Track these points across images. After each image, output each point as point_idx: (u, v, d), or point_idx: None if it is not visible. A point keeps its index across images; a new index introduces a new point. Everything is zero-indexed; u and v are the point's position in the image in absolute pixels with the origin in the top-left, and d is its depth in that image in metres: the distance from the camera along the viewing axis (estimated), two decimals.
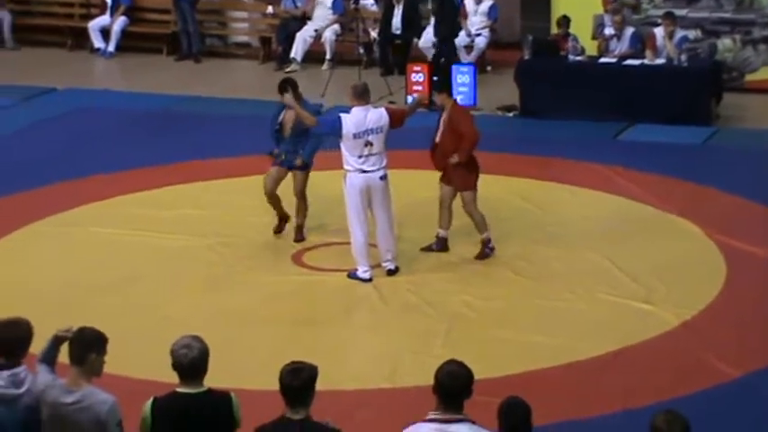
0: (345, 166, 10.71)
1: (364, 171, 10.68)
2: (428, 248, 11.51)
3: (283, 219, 11.83)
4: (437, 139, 11.37)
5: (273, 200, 11.71)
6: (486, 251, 11.38)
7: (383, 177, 10.79)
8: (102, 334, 6.13)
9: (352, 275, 10.91)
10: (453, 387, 5.76)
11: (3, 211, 12.75)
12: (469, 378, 5.79)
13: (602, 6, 17.33)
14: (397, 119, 10.94)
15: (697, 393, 8.87)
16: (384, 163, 10.79)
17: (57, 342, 6.27)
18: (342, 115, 10.72)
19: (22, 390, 6.12)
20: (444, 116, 11.30)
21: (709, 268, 11.17)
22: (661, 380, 9.16)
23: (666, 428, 5.42)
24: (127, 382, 8.37)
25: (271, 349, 9.50)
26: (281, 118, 11.70)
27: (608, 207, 12.92)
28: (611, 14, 16.86)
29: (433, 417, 5.75)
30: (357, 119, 10.64)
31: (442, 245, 11.52)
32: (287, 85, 11.37)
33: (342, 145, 10.69)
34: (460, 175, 11.29)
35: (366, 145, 10.65)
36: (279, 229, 11.86)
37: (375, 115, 10.74)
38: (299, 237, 11.74)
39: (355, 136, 10.61)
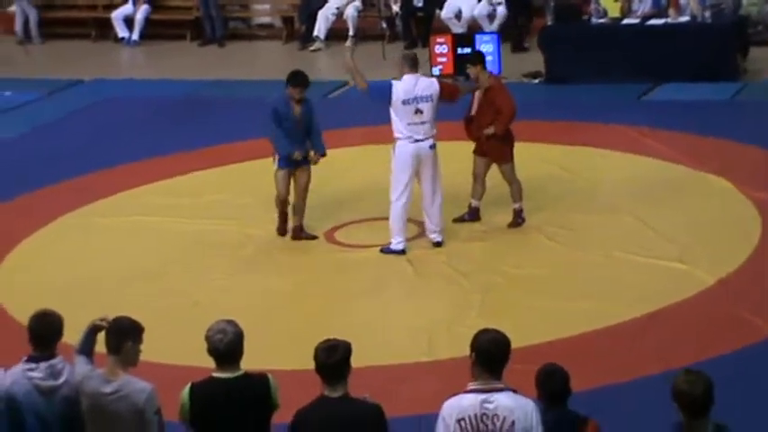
0: (396, 134, 10.71)
1: (415, 140, 10.67)
2: (460, 219, 11.51)
3: (286, 219, 11.46)
4: (473, 112, 11.36)
5: (286, 203, 11.41)
6: (518, 220, 11.36)
7: (432, 146, 10.78)
8: (138, 322, 6.15)
9: (386, 250, 10.92)
10: (495, 355, 5.72)
11: (33, 204, 12.81)
12: (509, 345, 5.78)
13: None
14: (448, 92, 10.95)
15: (735, 351, 8.83)
16: (433, 132, 10.79)
17: (93, 332, 6.31)
18: (392, 81, 10.72)
19: (61, 381, 6.17)
20: (480, 90, 11.27)
21: (745, 225, 11.09)
22: (699, 339, 9.13)
23: (689, 389, 5.40)
24: (163, 370, 8.41)
25: (306, 328, 9.52)
26: (291, 114, 11.16)
27: (639, 168, 12.84)
28: None
29: (474, 387, 5.71)
30: (407, 85, 10.66)
31: (474, 215, 11.52)
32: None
33: (392, 113, 10.70)
34: (496, 147, 11.30)
35: (416, 112, 10.64)
36: (284, 230, 11.49)
37: (425, 83, 10.79)
38: (300, 234, 11.37)
39: (404, 102, 10.61)
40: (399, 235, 10.86)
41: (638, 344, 9.17)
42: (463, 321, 9.46)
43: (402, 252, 10.86)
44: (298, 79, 11.21)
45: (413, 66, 10.82)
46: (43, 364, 6.15)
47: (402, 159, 10.73)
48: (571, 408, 6.01)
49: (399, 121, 10.68)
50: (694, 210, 11.54)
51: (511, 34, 18.10)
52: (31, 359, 6.19)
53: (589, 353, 9.02)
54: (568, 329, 9.38)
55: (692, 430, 5.44)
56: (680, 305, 9.70)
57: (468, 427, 5.63)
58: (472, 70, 11.38)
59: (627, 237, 10.99)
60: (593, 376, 8.49)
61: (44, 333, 6.19)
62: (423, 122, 10.70)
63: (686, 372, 5.51)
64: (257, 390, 6.08)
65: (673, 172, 12.60)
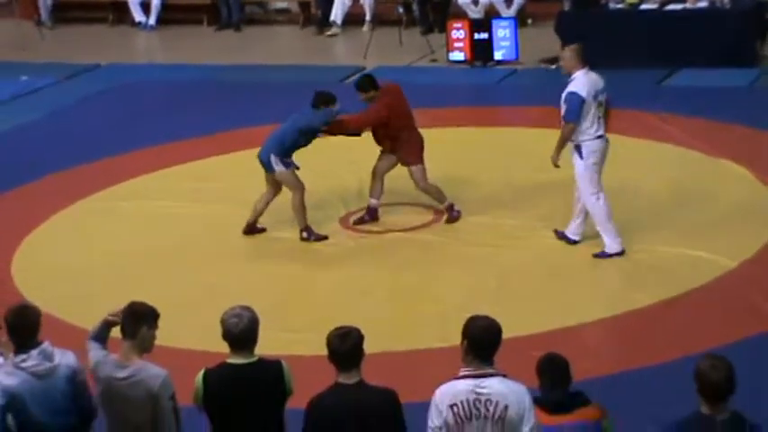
0: (582, 138, 10.12)
1: (600, 136, 10.21)
2: (360, 221, 11.27)
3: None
4: None
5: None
6: (453, 214, 11.19)
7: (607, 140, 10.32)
8: (153, 308, 6.15)
9: (602, 255, 10.26)
10: (487, 341, 5.74)
11: (53, 188, 12.86)
12: (500, 331, 5.78)
13: None
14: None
15: (753, 337, 8.79)
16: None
17: (106, 325, 6.31)
18: (574, 90, 10.06)
19: (56, 361, 6.15)
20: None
21: (762, 211, 11.04)
22: (718, 325, 9.10)
23: (711, 373, 5.39)
24: (178, 354, 8.42)
25: (320, 314, 9.50)
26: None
27: (657, 155, 12.79)
28: None
29: (466, 373, 5.72)
30: (589, 81, 10.14)
31: (373, 214, 11.29)
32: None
33: (567, 116, 10.13)
34: (404, 148, 11.05)
35: (599, 106, 10.20)
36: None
37: (596, 75, 10.27)
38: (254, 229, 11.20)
39: (594, 98, 10.12)
40: (616, 234, 10.26)
41: (657, 329, 9.14)
42: (479, 308, 9.40)
43: (622, 253, 10.25)
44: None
45: (585, 60, 10.22)
46: (34, 352, 6.13)
47: (594, 160, 10.15)
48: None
49: (588, 123, 10.09)
50: (712, 196, 11.49)
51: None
52: (19, 351, 6.15)
53: (607, 339, 9.02)
54: (588, 315, 9.35)
55: (710, 417, 5.42)
56: (698, 291, 9.67)
57: (461, 413, 5.63)
58: (365, 96, 10.97)
59: (646, 224, 10.93)
60: (612, 362, 8.50)
61: (22, 327, 6.16)
62: (603, 116, 10.22)
63: (710, 357, 5.51)
64: (271, 376, 6.08)
65: (691, 158, 12.55)
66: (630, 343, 9.02)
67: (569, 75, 10.24)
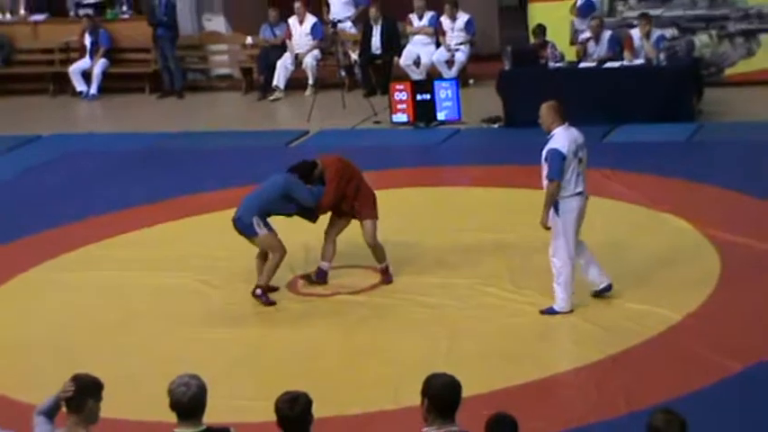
0: (561, 193, 10.02)
1: (579, 193, 10.14)
2: (307, 277, 11.32)
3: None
4: None
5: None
6: (387, 279, 11.27)
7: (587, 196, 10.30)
8: (98, 379, 6.09)
9: (549, 311, 10.24)
10: (449, 399, 5.74)
11: None
12: (460, 387, 5.79)
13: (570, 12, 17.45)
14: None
15: (701, 390, 8.86)
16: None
17: (57, 402, 6.21)
18: (554, 147, 9.98)
19: None
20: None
21: (704, 263, 11.16)
22: (664, 379, 9.14)
23: (665, 427, 5.41)
24: (126, 426, 8.35)
25: (269, 379, 9.47)
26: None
27: (601, 210, 12.82)
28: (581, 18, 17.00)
29: None
30: (569, 137, 10.05)
31: (322, 276, 11.31)
32: None
33: (548, 173, 10.04)
34: (360, 204, 11.13)
35: (579, 162, 10.12)
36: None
37: (576, 131, 10.19)
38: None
39: (574, 154, 10.04)
40: (568, 297, 10.21)
41: (603, 385, 9.17)
42: (428, 368, 9.41)
43: (570, 312, 10.22)
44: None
45: (563, 116, 10.15)
46: None
47: (571, 218, 10.07)
48: None
49: (567, 179, 9.99)
50: (654, 250, 11.61)
51: None
52: None
53: (554, 396, 9.02)
54: (534, 373, 9.38)
55: None
56: (643, 345, 9.72)
57: None
58: (310, 179, 11.00)
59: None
60: (558, 420, 8.49)
61: None
62: (581, 172, 10.14)
63: (662, 410, 5.53)
64: None
65: (634, 213, 12.69)
66: (579, 400, 9.04)
67: (548, 132, 10.14)
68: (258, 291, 10.97)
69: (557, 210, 10.11)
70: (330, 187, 11.01)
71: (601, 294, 10.51)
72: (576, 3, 17.63)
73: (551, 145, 10.06)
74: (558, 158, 9.97)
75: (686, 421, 5.47)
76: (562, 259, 10.20)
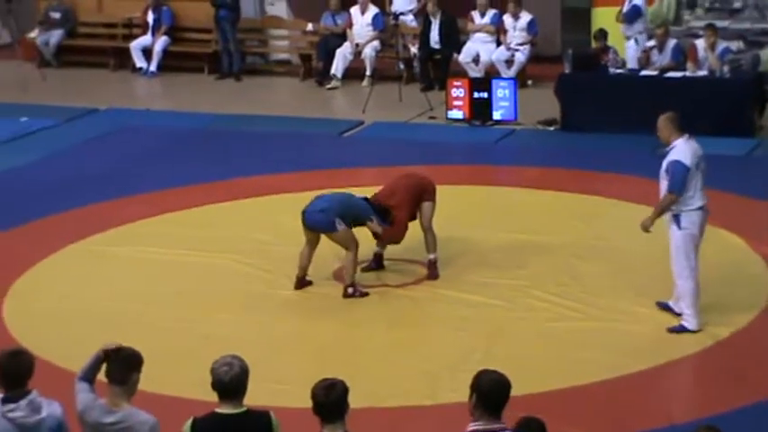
0: (682, 207, 9.78)
1: (701, 207, 9.83)
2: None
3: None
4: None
5: None
6: (434, 272, 11.26)
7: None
8: (139, 353, 6.16)
9: (679, 329, 9.96)
10: (496, 396, 5.76)
11: (49, 230, 12.84)
12: (509, 386, 5.82)
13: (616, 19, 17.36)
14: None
15: (744, 407, 8.76)
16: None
17: (99, 360, 6.26)
18: (677, 158, 9.72)
19: (44, 414, 6.10)
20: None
21: (755, 281, 11.05)
22: (707, 394, 9.07)
23: None
24: (167, 402, 8.38)
25: (310, 367, 9.47)
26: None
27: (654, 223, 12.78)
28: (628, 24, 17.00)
29: (475, 428, 5.72)
30: (691, 149, 9.79)
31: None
32: None
33: (666, 185, 9.82)
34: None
35: (702, 174, 9.85)
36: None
37: (696, 143, 9.93)
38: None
39: (696, 167, 9.75)
40: (696, 312, 9.96)
41: (644, 397, 9.10)
42: (468, 366, 9.39)
43: (698, 331, 9.91)
44: None
45: (683, 128, 9.92)
46: (23, 402, 6.07)
47: (693, 233, 9.83)
48: None
49: (691, 193, 9.73)
50: (706, 265, 11.44)
51: None
52: (7, 399, 6.09)
53: (594, 404, 8.96)
54: (574, 379, 9.31)
55: None
56: (687, 359, 9.65)
57: None
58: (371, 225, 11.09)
59: (636, 289, 10.92)
60: (592, 428, 8.42)
61: (16, 373, 6.09)
62: (703, 184, 9.83)
63: (706, 427, 5.52)
64: (259, 427, 6.05)
65: None
66: (616, 409, 8.97)
67: (667, 144, 9.85)
68: (350, 290, 11.00)
69: (678, 223, 9.86)
70: (399, 218, 11.12)
71: (666, 308, 10.34)
72: (622, 9, 17.53)
73: (673, 156, 9.76)
74: (681, 171, 9.70)
75: None
76: (681, 277, 9.97)
